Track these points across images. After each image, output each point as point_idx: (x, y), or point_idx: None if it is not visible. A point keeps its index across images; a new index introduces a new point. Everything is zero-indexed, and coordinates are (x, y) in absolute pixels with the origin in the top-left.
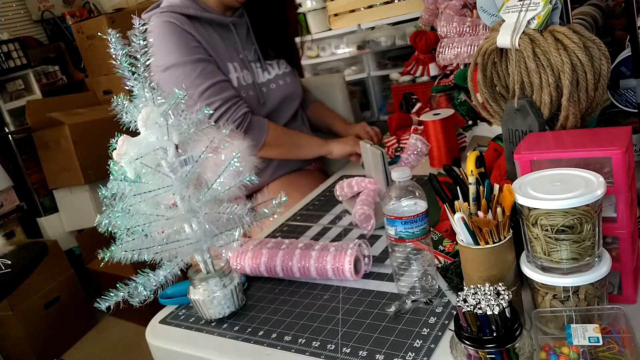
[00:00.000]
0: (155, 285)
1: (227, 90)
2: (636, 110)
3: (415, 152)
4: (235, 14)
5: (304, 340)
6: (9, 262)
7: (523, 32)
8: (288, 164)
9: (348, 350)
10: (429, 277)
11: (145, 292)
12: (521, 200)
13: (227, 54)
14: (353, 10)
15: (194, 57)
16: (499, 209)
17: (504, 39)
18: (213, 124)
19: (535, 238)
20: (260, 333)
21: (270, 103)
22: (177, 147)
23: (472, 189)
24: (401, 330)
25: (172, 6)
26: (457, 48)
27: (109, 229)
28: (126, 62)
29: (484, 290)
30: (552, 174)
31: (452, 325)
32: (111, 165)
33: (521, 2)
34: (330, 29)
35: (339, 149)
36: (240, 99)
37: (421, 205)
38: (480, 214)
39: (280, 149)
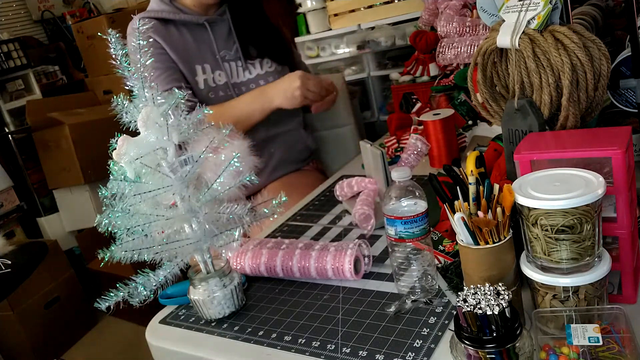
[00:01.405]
0: (155, 285)
1: None
2: (636, 110)
3: (415, 152)
4: (217, 12)
5: (304, 340)
6: (9, 262)
7: (523, 32)
8: (286, 165)
9: (348, 350)
10: (429, 277)
11: (145, 292)
12: (521, 200)
13: (198, 55)
14: (353, 10)
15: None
16: (499, 209)
17: (504, 39)
18: None
19: (535, 238)
20: (260, 333)
21: None
22: (179, 146)
23: (472, 189)
24: (401, 330)
25: (148, 11)
26: (457, 48)
27: (109, 229)
28: (126, 62)
29: (484, 290)
30: (552, 174)
31: (452, 325)
32: (111, 165)
33: (521, 2)
34: (330, 29)
35: (279, 97)
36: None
37: (421, 205)
38: (480, 214)
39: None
